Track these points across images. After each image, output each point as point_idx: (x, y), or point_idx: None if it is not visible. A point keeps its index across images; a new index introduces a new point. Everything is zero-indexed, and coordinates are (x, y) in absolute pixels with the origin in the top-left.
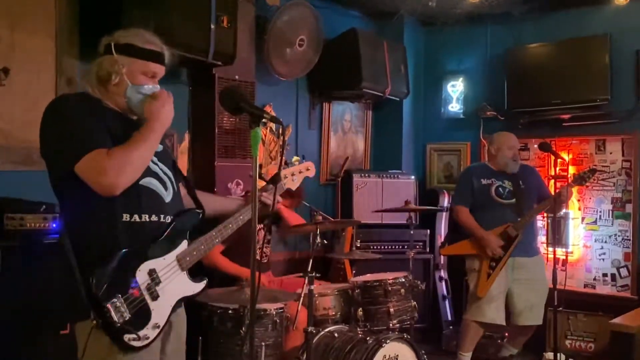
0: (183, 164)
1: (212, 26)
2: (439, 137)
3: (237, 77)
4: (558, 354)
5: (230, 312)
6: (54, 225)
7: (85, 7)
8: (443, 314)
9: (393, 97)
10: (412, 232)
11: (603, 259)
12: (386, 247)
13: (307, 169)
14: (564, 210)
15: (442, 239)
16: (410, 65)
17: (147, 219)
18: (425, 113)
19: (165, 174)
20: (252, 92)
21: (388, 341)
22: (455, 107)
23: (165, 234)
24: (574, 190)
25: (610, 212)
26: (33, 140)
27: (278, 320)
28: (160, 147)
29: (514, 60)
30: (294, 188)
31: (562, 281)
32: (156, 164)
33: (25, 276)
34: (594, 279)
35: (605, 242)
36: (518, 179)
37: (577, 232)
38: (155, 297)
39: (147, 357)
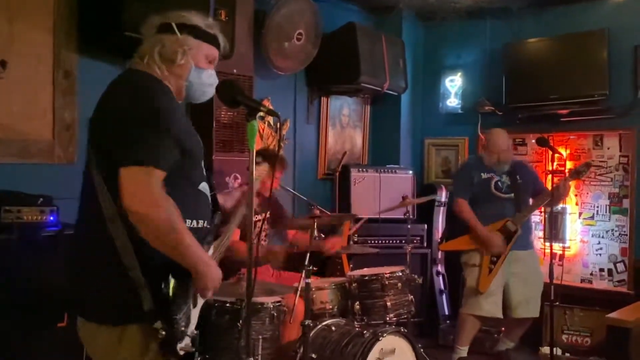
0: None
1: (210, 19)
2: (437, 132)
3: (235, 71)
4: (554, 349)
5: (227, 305)
6: (52, 218)
7: (84, 0)
8: (440, 308)
9: (391, 92)
10: (409, 226)
11: (600, 254)
12: (384, 241)
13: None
14: (561, 205)
15: (440, 234)
16: (409, 59)
17: (203, 225)
18: (424, 108)
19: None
20: (250, 86)
21: (385, 335)
22: (453, 102)
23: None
24: (572, 185)
25: (608, 207)
26: (31, 132)
27: (275, 314)
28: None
29: (512, 55)
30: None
31: (558, 276)
32: (203, 167)
33: (23, 269)
34: (591, 274)
35: (602, 237)
36: (515, 173)
37: (574, 227)
38: (195, 304)
39: None
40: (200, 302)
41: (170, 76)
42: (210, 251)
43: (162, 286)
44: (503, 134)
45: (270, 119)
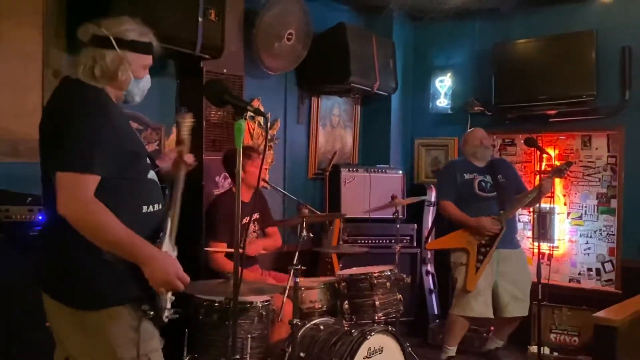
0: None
1: (200, 19)
2: (426, 132)
3: (225, 70)
4: (542, 348)
5: (216, 304)
6: (40, 217)
7: None
8: (429, 307)
9: (381, 92)
10: (398, 226)
11: (588, 254)
12: (373, 241)
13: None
14: (549, 205)
15: (427, 235)
16: (399, 60)
17: (158, 207)
18: (414, 108)
19: (152, 163)
20: (240, 85)
21: (373, 333)
22: (443, 102)
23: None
24: (560, 185)
25: (596, 207)
26: (19, 131)
27: (264, 313)
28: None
29: (501, 55)
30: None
31: (547, 275)
32: (148, 156)
33: (11, 268)
34: (579, 274)
35: (591, 237)
36: (496, 173)
37: (562, 227)
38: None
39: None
40: None
41: (110, 87)
42: (168, 224)
43: (139, 270)
44: (479, 128)
45: (261, 118)
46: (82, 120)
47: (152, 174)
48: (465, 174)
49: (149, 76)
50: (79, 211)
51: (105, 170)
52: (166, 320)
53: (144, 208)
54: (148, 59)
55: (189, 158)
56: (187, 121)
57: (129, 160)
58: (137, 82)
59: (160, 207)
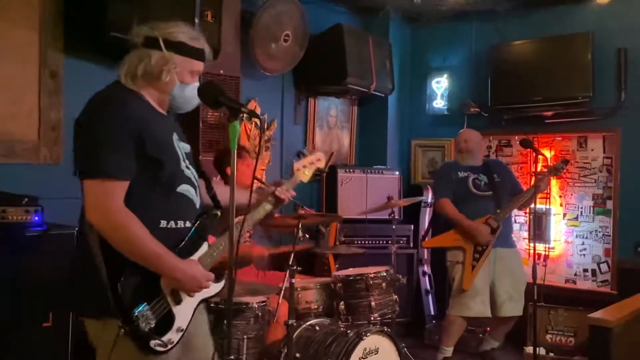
0: None
1: (197, 20)
2: (423, 133)
3: (222, 71)
4: (538, 348)
5: (212, 305)
6: (36, 218)
7: (69, 0)
8: (426, 308)
9: (378, 93)
10: (394, 227)
11: (584, 255)
12: (370, 242)
13: (318, 160)
14: (545, 206)
15: (424, 233)
16: (396, 61)
17: (182, 225)
18: (410, 109)
19: (195, 178)
20: (237, 86)
21: (368, 334)
22: (439, 103)
23: (187, 238)
24: (556, 186)
25: (591, 208)
26: (16, 132)
27: (260, 314)
28: (187, 148)
29: (498, 57)
30: (305, 180)
31: (543, 276)
32: (188, 168)
33: (7, 269)
34: (575, 274)
35: (586, 237)
36: (491, 172)
37: (558, 228)
38: (178, 301)
39: (170, 358)
40: (191, 299)
41: (153, 90)
42: (204, 248)
43: (118, 286)
44: (470, 130)
45: (258, 120)
46: (104, 125)
47: (184, 188)
48: (459, 172)
49: (197, 84)
50: (106, 219)
51: (129, 175)
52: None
53: (163, 223)
54: (197, 65)
55: (287, 195)
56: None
57: (151, 169)
58: (183, 87)
59: (186, 224)
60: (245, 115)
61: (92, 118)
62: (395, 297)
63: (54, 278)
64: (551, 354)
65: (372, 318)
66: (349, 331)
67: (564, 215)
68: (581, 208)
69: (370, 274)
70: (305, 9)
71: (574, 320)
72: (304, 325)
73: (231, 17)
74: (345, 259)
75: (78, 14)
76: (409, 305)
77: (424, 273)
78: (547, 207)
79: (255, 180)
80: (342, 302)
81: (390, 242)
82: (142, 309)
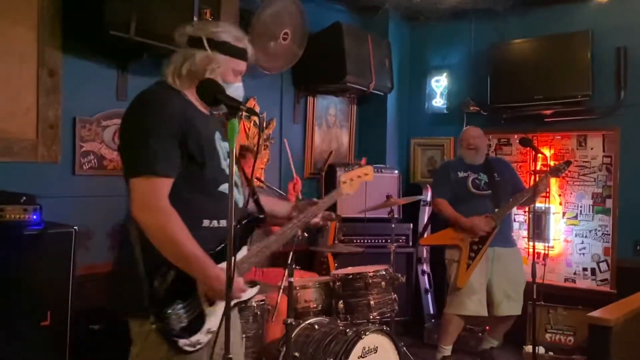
0: None
1: (195, 18)
2: (422, 132)
3: None
4: (538, 347)
5: None
6: (34, 216)
7: None
8: (425, 307)
9: (377, 92)
10: (393, 226)
11: (583, 254)
12: (369, 240)
13: (366, 174)
14: (544, 205)
15: (422, 230)
16: (395, 60)
17: (225, 224)
18: (410, 108)
19: (237, 176)
20: None
21: (367, 333)
22: (439, 102)
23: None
24: (555, 185)
25: (591, 207)
26: (14, 131)
27: (259, 313)
28: (227, 147)
29: (497, 55)
30: (352, 193)
31: (542, 275)
32: (228, 168)
33: (5, 268)
34: (574, 273)
35: (586, 236)
36: (492, 171)
37: (558, 227)
38: (212, 303)
39: (198, 357)
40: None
41: (194, 88)
42: (243, 251)
43: (155, 283)
44: (475, 127)
45: (257, 118)
46: (146, 123)
47: (227, 187)
48: (459, 172)
49: (241, 84)
50: (151, 217)
51: (173, 172)
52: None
53: (205, 222)
54: (240, 65)
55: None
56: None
57: (193, 167)
58: (227, 86)
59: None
60: (244, 113)
61: (136, 117)
62: (395, 295)
63: (52, 277)
64: (550, 353)
65: (371, 317)
66: (348, 330)
67: (564, 214)
68: (580, 207)
69: (370, 272)
70: (305, 7)
71: (574, 319)
72: (303, 324)
73: (230, 16)
74: (344, 258)
75: (76, 13)
76: (408, 304)
77: (423, 272)
78: (547, 205)
79: (258, 181)
80: (341, 301)
81: (389, 241)
82: (175, 308)
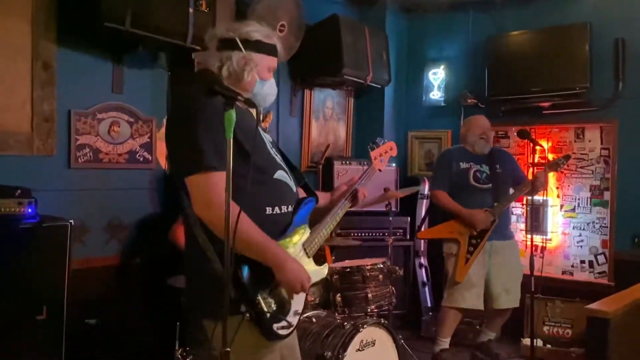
0: (162, 150)
1: (191, 10)
2: (420, 125)
3: None
4: (535, 340)
5: None
6: (30, 210)
7: None
8: (423, 300)
9: (375, 85)
10: (391, 219)
11: (581, 246)
12: (367, 234)
13: (391, 149)
14: (542, 198)
15: (419, 223)
16: (392, 52)
17: (286, 210)
18: (407, 100)
19: (285, 165)
20: None
21: (365, 326)
22: (436, 94)
23: (293, 221)
24: (553, 178)
25: (589, 199)
26: (9, 124)
27: None
28: (270, 138)
29: (495, 47)
30: (382, 169)
31: (540, 268)
32: (276, 156)
33: (0, 261)
34: (572, 266)
35: (584, 229)
36: (494, 162)
37: (555, 220)
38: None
39: (290, 342)
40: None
41: (236, 89)
42: (304, 234)
43: (237, 273)
44: (482, 115)
45: (254, 111)
46: (193, 122)
47: (281, 174)
48: (461, 163)
49: (273, 81)
50: (214, 212)
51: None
52: (281, 332)
53: (268, 209)
54: (273, 61)
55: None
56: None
57: (245, 158)
58: (262, 83)
59: (289, 209)
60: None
61: (183, 117)
62: (392, 288)
63: (47, 271)
64: (548, 346)
65: (368, 310)
66: (345, 323)
67: (561, 206)
68: (578, 199)
69: (367, 265)
70: None
71: (571, 312)
72: (301, 318)
73: (225, 7)
74: (342, 251)
75: (71, 4)
76: (405, 297)
77: (421, 265)
78: (544, 198)
79: None
80: (339, 294)
81: (386, 234)
82: (262, 294)
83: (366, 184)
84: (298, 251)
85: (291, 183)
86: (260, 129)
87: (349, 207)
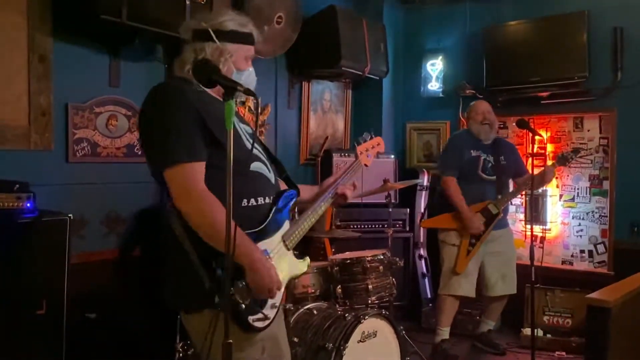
0: None
1: (187, 2)
2: (418, 116)
3: None
4: (536, 330)
5: None
6: (28, 204)
7: None
8: (422, 291)
9: (372, 76)
10: (390, 210)
11: (580, 236)
12: (366, 226)
13: (378, 144)
14: (542, 188)
15: (422, 212)
16: (390, 43)
17: (262, 202)
18: (405, 92)
19: (265, 157)
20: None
21: (366, 317)
22: (434, 85)
23: (272, 214)
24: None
25: (588, 189)
26: (6, 118)
27: None
28: (249, 129)
29: (492, 38)
30: (368, 164)
31: (539, 258)
32: (256, 148)
33: None
34: (572, 256)
35: (583, 219)
36: (499, 153)
37: (555, 209)
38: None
39: (273, 334)
40: (283, 278)
41: None
42: (285, 226)
43: (213, 264)
44: (483, 102)
45: (251, 103)
46: (164, 114)
47: (257, 165)
48: (472, 151)
49: (252, 69)
50: (193, 204)
51: (201, 155)
52: (257, 324)
53: (244, 202)
54: (249, 50)
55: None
56: (376, 147)
57: (220, 150)
58: (240, 74)
59: (266, 200)
60: (240, 97)
61: (155, 110)
62: (393, 279)
63: (46, 265)
64: (548, 335)
65: (369, 301)
66: (347, 315)
67: (560, 196)
68: (577, 189)
69: (367, 257)
70: None
71: (571, 302)
72: (302, 310)
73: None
74: (341, 243)
75: None
76: (405, 288)
77: (420, 256)
78: (544, 188)
79: None
80: (339, 286)
81: (386, 225)
82: (237, 285)
83: (351, 179)
84: (277, 244)
85: (270, 175)
86: (237, 119)
87: (331, 202)
